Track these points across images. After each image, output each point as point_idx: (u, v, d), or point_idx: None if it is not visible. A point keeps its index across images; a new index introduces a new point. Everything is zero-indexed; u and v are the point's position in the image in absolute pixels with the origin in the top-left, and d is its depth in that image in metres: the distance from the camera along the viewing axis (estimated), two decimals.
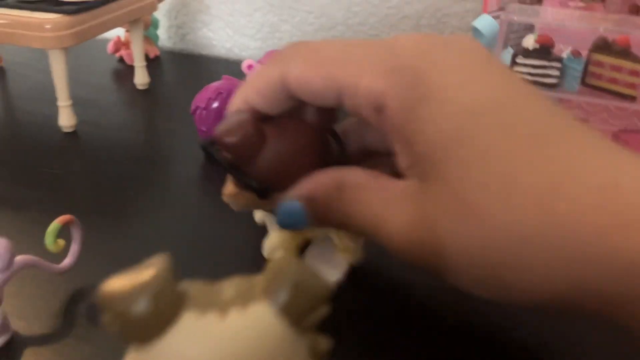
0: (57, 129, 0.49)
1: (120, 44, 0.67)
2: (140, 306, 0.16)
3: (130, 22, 0.55)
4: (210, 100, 0.44)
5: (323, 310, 0.17)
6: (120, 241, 0.36)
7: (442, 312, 0.30)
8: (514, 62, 0.41)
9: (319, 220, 0.23)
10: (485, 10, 0.50)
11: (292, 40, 0.68)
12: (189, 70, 0.67)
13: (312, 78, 0.23)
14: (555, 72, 0.40)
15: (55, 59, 0.46)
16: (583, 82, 0.41)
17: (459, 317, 0.29)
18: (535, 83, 0.41)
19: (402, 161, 0.22)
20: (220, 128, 0.23)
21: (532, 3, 0.49)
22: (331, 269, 0.31)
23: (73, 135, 0.49)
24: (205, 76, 0.62)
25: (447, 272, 0.20)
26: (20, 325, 0.29)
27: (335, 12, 0.65)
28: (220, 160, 0.24)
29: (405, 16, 0.62)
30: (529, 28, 0.47)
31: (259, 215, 0.35)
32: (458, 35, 0.23)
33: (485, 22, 0.45)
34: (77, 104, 0.50)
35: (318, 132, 0.25)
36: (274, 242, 0.32)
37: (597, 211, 0.18)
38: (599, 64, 0.40)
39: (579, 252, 0.18)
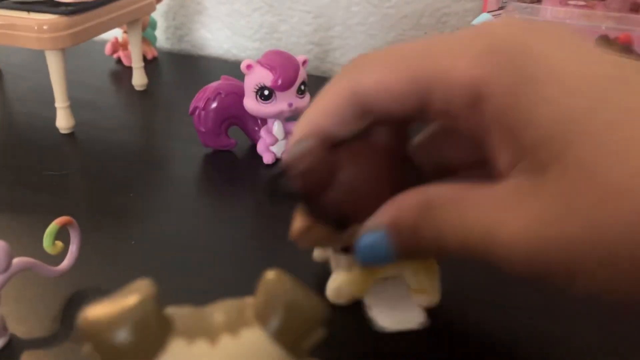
0: (55, 130, 0.49)
1: (117, 45, 0.66)
2: (123, 335, 0.15)
3: (128, 23, 0.55)
4: (209, 101, 0.44)
5: (319, 334, 0.17)
6: (119, 243, 0.35)
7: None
8: None
9: (407, 249, 0.20)
10: (485, 9, 0.49)
11: (290, 41, 0.67)
12: (187, 71, 0.66)
13: (390, 81, 0.20)
14: None
15: (52, 60, 0.46)
16: None
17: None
18: None
19: (504, 158, 0.19)
20: (289, 156, 0.22)
21: (531, 2, 0.49)
22: (407, 314, 0.28)
23: (71, 136, 0.49)
24: (203, 77, 0.61)
25: (587, 274, 0.17)
26: (18, 328, 0.29)
27: (334, 12, 0.64)
28: (290, 192, 0.22)
29: (405, 16, 0.62)
30: None
31: (319, 253, 0.32)
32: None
33: (485, 21, 0.45)
34: (75, 105, 0.50)
35: (391, 154, 0.23)
36: (342, 283, 0.29)
37: None
38: None
39: None
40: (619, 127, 0.16)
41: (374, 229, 0.21)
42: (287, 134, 0.44)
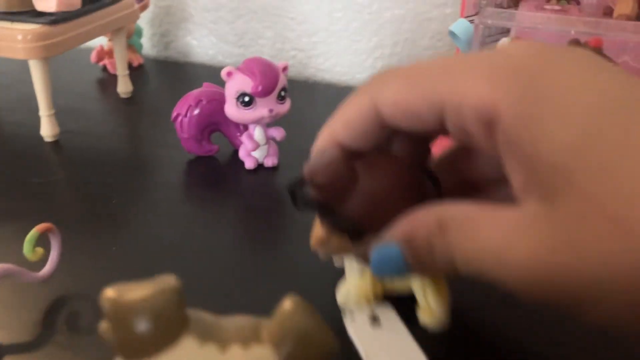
0: (40, 138, 0.49)
1: (103, 53, 0.67)
2: (141, 321, 0.15)
3: (113, 31, 0.55)
4: (191, 108, 0.45)
5: None
6: (101, 249, 0.36)
7: None
8: None
9: (419, 264, 0.21)
10: (462, 14, 0.50)
11: (275, 47, 0.68)
12: (172, 77, 0.67)
13: (409, 98, 0.20)
14: None
15: (35, 70, 0.46)
16: None
17: None
18: None
19: (517, 182, 0.19)
20: (309, 167, 0.22)
21: (508, 7, 0.50)
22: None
23: (56, 144, 0.49)
24: (188, 83, 0.62)
25: (591, 304, 0.17)
26: (0, 334, 0.29)
27: (317, 19, 0.65)
28: (309, 202, 0.22)
29: (387, 21, 0.63)
30: (506, 31, 0.48)
31: (338, 259, 0.33)
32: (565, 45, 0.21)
33: (461, 26, 0.46)
34: (60, 113, 0.50)
35: (411, 167, 0.23)
36: (350, 289, 0.29)
37: None
38: None
39: None
40: (621, 157, 0.16)
41: (388, 242, 0.21)
42: (268, 139, 0.45)
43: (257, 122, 0.43)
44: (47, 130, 0.49)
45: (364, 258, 0.24)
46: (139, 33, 0.69)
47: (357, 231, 0.22)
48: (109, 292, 0.16)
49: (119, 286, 0.16)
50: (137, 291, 0.16)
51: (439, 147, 0.25)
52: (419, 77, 0.20)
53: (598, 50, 0.40)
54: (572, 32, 0.39)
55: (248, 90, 0.41)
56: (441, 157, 0.26)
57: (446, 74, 0.20)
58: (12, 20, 0.46)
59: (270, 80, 0.41)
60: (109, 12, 0.52)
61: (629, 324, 0.17)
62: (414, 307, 0.29)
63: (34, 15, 0.47)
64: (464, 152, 0.25)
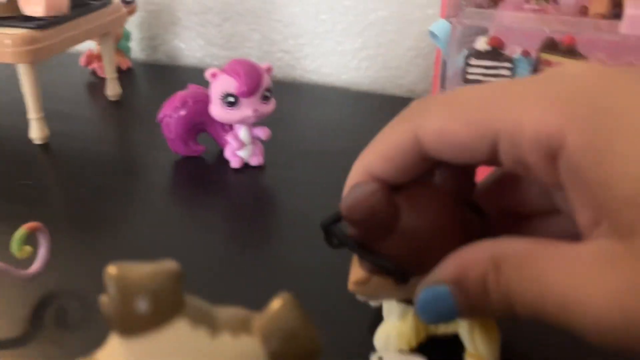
0: (30, 141, 0.50)
1: (92, 57, 0.68)
2: (142, 299, 0.16)
3: (100, 35, 0.56)
4: (177, 109, 0.45)
5: None
6: (90, 248, 0.37)
7: None
8: (467, 64, 0.43)
9: (472, 308, 0.18)
10: (442, 15, 0.51)
11: (262, 49, 0.69)
12: (161, 80, 0.68)
13: (456, 128, 0.18)
14: (507, 72, 0.42)
15: (24, 73, 0.47)
16: None
17: None
18: None
19: (585, 217, 0.17)
20: (346, 202, 0.20)
21: (488, 7, 0.51)
22: None
23: (45, 147, 0.50)
24: (176, 86, 0.62)
25: None
26: None
27: (303, 21, 0.66)
28: (346, 240, 0.20)
29: (371, 23, 0.64)
30: (485, 31, 0.49)
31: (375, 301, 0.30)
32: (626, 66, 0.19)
33: (441, 27, 0.47)
34: (50, 116, 0.51)
35: (456, 200, 0.21)
36: (391, 332, 0.27)
37: None
38: (547, 63, 0.42)
39: None
40: None
41: (436, 283, 0.19)
42: (253, 139, 0.46)
43: (242, 122, 0.44)
44: (36, 132, 0.50)
45: (408, 301, 0.23)
46: (127, 37, 0.70)
47: (401, 272, 0.20)
48: (112, 269, 0.16)
49: (121, 264, 0.17)
50: (138, 270, 0.17)
51: (480, 174, 0.23)
52: (466, 104, 0.19)
53: (572, 48, 0.41)
54: (547, 30, 0.40)
55: (232, 90, 0.42)
56: (482, 184, 0.24)
57: (498, 100, 0.18)
58: (1, 25, 0.47)
59: (254, 81, 0.42)
60: (96, 17, 0.53)
61: None
62: (459, 351, 0.27)
63: (22, 20, 0.47)
64: (508, 180, 0.23)
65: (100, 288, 0.18)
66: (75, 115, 0.57)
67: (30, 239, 0.31)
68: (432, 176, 0.21)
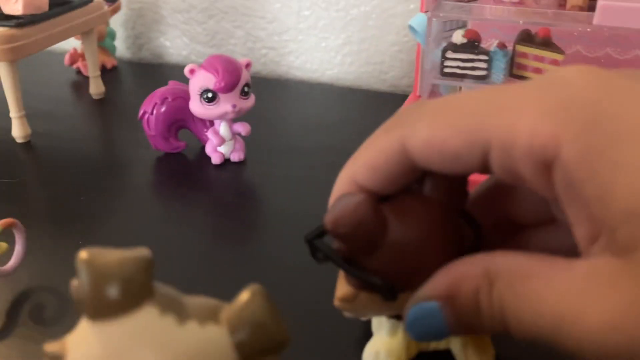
0: (11, 140, 0.50)
1: (76, 56, 0.68)
2: (112, 284, 0.16)
3: (82, 34, 0.56)
4: (157, 105, 0.46)
5: (274, 358, 0.18)
6: (68, 245, 0.37)
7: None
8: (444, 57, 0.43)
9: (463, 325, 0.18)
10: (422, 9, 0.52)
11: (246, 46, 0.69)
12: (146, 78, 0.68)
13: (446, 137, 0.17)
14: (483, 65, 0.42)
15: (4, 72, 0.47)
16: (510, 74, 0.43)
17: None
18: (465, 76, 0.43)
19: (583, 231, 0.16)
20: (331, 215, 0.19)
21: (468, 1, 0.51)
22: None
23: (27, 145, 0.50)
24: (161, 84, 0.62)
25: None
26: None
27: (286, 17, 0.66)
28: (331, 255, 0.19)
29: (353, 18, 0.64)
30: (465, 24, 0.49)
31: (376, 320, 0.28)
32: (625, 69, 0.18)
33: (420, 21, 0.47)
34: (33, 115, 0.51)
35: (447, 210, 0.20)
36: (380, 349, 0.26)
37: None
38: (524, 55, 0.42)
39: None
40: None
41: (426, 300, 0.18)
42: (233, 134, 0.46)
43: (221, 117, 0.44)
44: (17, 131, 0.50)
45: (398, 317, 0.22)
46: (112, 35, 0.70)
47: (389, 288, 0.19)
48: (84, 254, 0.17)
49: (93, 249, 0.17)
50: (109, 255, 0.17)
51: (472, 182, 0.22)
52: (456, 111, 0.18)
53: (547, 40, 0.41)
54: (521, 22, 0.40)
55: (211, 86, 0.42)
56: (474, 193, 0.23)
57: (490, 107, 0.17)
58: None
59: (233, 76, 0.43)
60: (77, 15, 0.53)
61: None
62: None
63: (1, 18, 0.47)
64: (502, 188, 0.22)
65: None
66: (58, 113, 0.57)
67: (7, 236, 0.31)
68: (422, 185, 0.20)
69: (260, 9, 0.67)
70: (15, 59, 0.47)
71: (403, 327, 0.25)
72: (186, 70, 0.43)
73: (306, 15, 0.65)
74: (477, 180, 0.23)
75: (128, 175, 0.46)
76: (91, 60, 0.58)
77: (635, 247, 0.15)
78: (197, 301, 0.18)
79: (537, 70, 0.42)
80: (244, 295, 0.18)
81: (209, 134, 0.45)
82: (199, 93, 0.43)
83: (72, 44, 0.66)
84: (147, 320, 0.17)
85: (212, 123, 0.46)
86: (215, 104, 0.43)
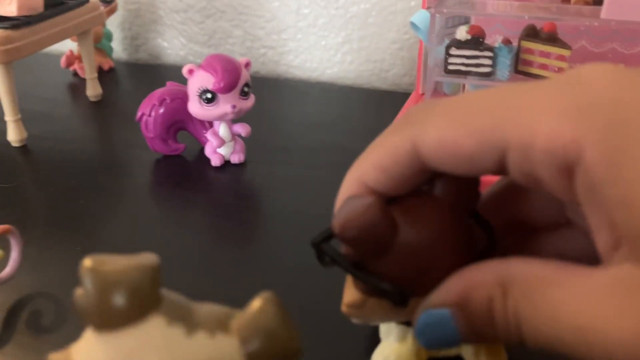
0: (7, 144, 0.49)
1: (73, 58, 0.67)
2: (118, 293, 0.15)
3: (78, 35, 0.55)
4: (155, 107, 0.45)
5: None
6: (67, 249, 0.36)
7: None
8: (448, 54, 0.42)
9: (476, 334, 0.17)
10: (424, 5, 0.51)
11: (245, 45, 0.68)
12: (143, 80, 0.67)
13: (459, 138, 0.17)
14: (488, 62, 0.41)
15: None
16: (516, 70, 0.43)
17: None
18: (470, 73, 0.42)
19: (604, 238, 0.16)
20: (339, 218, 0.18)
21: None
22: None
23: (23, 149, 0.49)
24: (159, 85, 0.61)
25: None
26: None
27: (284, 16, 0.66)
28: (339, 259, 0.19)
29: (353, 16, 0.63)
30: (468, 21, 0.48)
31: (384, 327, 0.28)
32: None
33: (422, 17, 0.46)
34: (30, 118, 0.50)
35: (458, 213, 0.20)
36: (389, 355, 0.25)
37: None
38: (529, 51, 0.42)
39: None
40: None
41: (437, 307, 0.17)
42: (233, 135, 0.45)
43: (220, 118, 0.43)
44: (13, 135, 0.49)
45: (408, 323, 0.21)
46: (108, 37, 0.69)
47: (399, 293, 0.19)
48: (88, 261, 0.16)
49: (98, 256, 0.16)
50: (115, 263, 0.16)
51: (484, 183, 0.21)
52: (470, 111, 0.17)
53: (553, 35, 0.41)
54: (526, 17, 0.40)
55: (210, 87, 0.42)
56: (487, 194, 0.22)
57: (507, 107, 0.16)
58: None
59: (232, 76, 0.42)
60: (72, 16, 0.52)
61: None
62: None
63: None
64: (515, 189, 0.21)
65: (72, 288, 0.18)
66: (54, 116, 0.56)
67: (2, 243, 0.30)
68: (432, 187, 0.20)
69: (259, 7, 0.66)
70: (10, 61, 0.46)
71: (412, 332, 0.25)
72: (184, 71, 0.42)
73: (305, 13, 0.65)
74: (490, 180, 0.22)
75: (126, 178, 0.45)
76: (88, 62, 0.58)
77: None
78: (206, 309, 0.18)
79: (543, 67, 0.41)
80: (256, 303, 0.17)
81: (209, 135, 0.45)
82: (198, 94, 0.42)
83: (68, 45, 0.66)
84: (154, 331, 0.16)
85: (211, 124, 0.45)
86: (214, 104, 0.42)
